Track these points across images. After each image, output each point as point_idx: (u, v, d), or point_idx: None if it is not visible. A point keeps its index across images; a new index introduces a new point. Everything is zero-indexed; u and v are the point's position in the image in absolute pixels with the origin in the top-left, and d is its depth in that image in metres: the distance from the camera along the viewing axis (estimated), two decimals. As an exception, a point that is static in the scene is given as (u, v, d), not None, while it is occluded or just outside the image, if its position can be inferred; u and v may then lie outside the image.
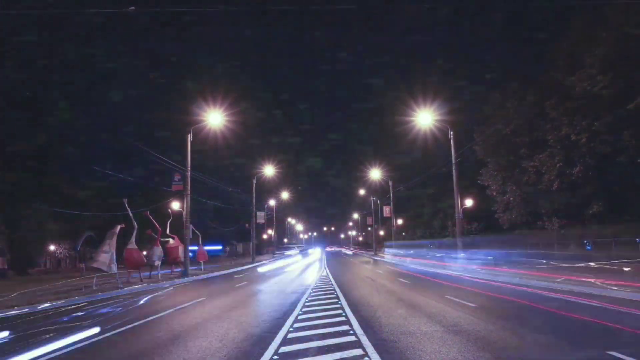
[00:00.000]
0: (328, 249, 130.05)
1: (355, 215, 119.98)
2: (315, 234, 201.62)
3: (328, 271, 30.27)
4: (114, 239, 21.05)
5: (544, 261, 24.92)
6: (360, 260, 54.58)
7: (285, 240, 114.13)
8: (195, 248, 35.90)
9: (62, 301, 15.45)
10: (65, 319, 12.32)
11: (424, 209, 53.46)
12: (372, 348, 7.63)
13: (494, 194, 32.45)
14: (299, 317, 11.04)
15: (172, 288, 21.24)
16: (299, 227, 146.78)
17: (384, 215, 59.58)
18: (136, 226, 23.67)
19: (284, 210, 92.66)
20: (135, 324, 10.77)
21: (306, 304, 13.59)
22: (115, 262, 20.89)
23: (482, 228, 40.49)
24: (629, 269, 19.39)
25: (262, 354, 7.50)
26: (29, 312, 13.36)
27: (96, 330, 9.88)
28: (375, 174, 56.57)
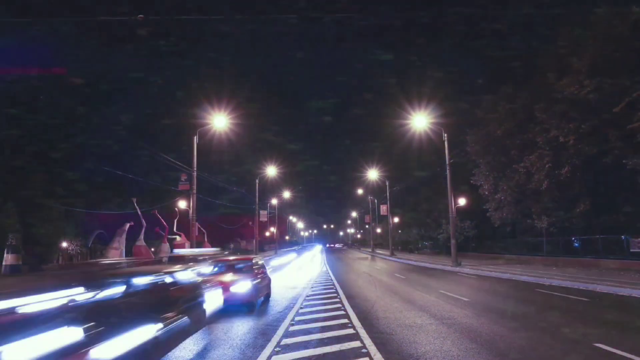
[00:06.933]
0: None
1: (354, 214, 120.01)
2: (315, 231, 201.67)
3: (328, 267, 30.34)
4: (124, 236, 21.14)
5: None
6: (359, 256, 54.65)
7: (287, 237, 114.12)
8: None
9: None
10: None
11: (419, 207, 53.40)
12: (370, 340, 7.65)
13: (486, 193, 32.43)
14: (300, 311, 11.06)
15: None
16: (300, 225, 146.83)
17: (381, 213, 59.62)
18: (144, 224, 23.73)
19: (286, 208, 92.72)
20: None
21: (307, 298, 13.61)
22: (124, 259, 20.95)
23: (474, 226, 40.47)
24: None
25: (265, 345, 7.52)
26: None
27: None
28: (373, 174, 56.72)
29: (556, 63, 24.48)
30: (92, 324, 4.47)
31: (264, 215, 55.29)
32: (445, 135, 29.25)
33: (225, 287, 10.48)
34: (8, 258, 31.67)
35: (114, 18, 19.03)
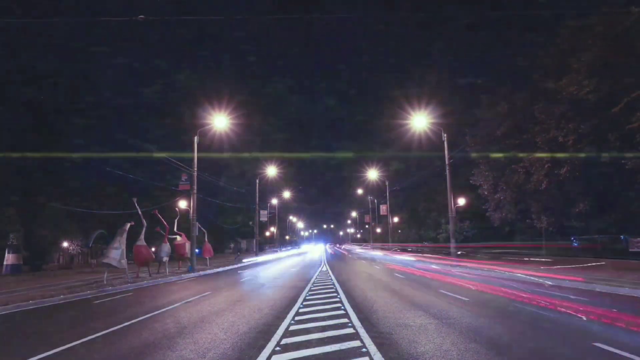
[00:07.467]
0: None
1: (354, 214, 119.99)
2: (315, 231, 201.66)
3: (328, 267, 30.32)
4: (124, 236, 21.04)
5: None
6: (358, 256, 54.61)
7: (287, 237, 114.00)
8: None
9: (73, 295, 15.44)
10: (73, 313, 12.32)
11: (419, 207, 53.41)
12: (370, 340, 7.63)
13: (486, 193, 32.43)
14: (300, 311, 11.04)
15: (179, 283, 21.22)
16: (300, 224, 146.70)
17: (381, 213, 59.77)
18: (145, 224, 23.67)
19: (286, 208, 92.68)
20: (145, 316, 10.77)
21: (306, 297, 13.58)
22: (125, 258, 20.88)
23: (474, 225, 40.47)
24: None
25: (265, 345, 7.50)
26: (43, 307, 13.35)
27: (108, 323, 9.87)
28: (373, 174, 56.75)
29: (556, 63, 24.48)
30: None
31: (264, 215, 55.26)
32: (445, 135, 29.24)
33: None
34: (9, 258, 31.69)
35: (114, 18, 19.00)
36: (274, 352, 7.07)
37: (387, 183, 54.08)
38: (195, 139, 28.64)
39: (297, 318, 9.99)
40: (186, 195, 29.64)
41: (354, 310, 10.75)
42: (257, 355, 6.91)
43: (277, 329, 8.85)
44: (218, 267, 32.06)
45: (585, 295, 13.04)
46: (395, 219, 60.80)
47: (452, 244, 29.08)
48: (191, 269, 27.34)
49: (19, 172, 31.29)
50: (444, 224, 42.78)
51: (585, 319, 9.53)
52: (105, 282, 19.14)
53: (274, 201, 68.87)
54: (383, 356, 6.64)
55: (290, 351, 7.12)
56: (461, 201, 30.24)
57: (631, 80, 20.35)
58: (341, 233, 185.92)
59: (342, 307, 11.33)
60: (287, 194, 71.71)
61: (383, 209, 57.65)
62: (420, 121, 29.43)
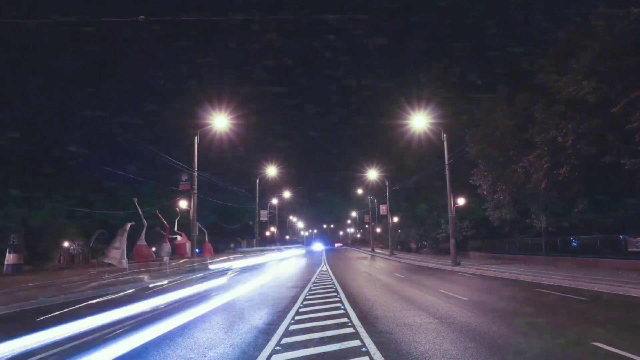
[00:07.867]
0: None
1: (354, 214, 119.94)
2: (315, 230, 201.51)
3: (328, 266, 30.32)
4: (125, 235, 21.03)
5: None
6: (358, 255, 54.63)
7: (287, 237, 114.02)
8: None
9: (76, 295, 15.43)
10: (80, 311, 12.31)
11: (419, 207, 53.37)
12: (370, 339, 7.63)
13: (485, 193, 32.41)
14: (300, 310, 11.04)
15: (180, 283, 21.20)
16: (300, 224, 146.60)
17: (381, 213, 59.72)
18: (145, 224, 23.67)
19: (286, 208, 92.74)
20: (144, 316, 10.77)
21: (307, 297, 13.59)
22: (125, 258, 20.89)
23: (473, 225, 40.45)
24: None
25: (265, 345, 7.50)
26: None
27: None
28: (373, 174, 56.74)
29: (555, 63, 24.46)
30: None
31: (264, 215, 55.25)
32: (445, 135, 29.24)
33: None
34: (10, 258, 31.69)
35: (114, 19, 18.99)
36: (274, 351, 7.07)
37: (387, 183, 54.08)
38: (196, 139, 28.64)
39: (297, 317, 10.00)
40: (187, 195, 29.63)
41: (353, 310, 10.74)
42: (258, 355, 6.91)
43: (277, 328, 8.86)
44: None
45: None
46: (395, 219, 60.77)
47: (452, 244, 29.09)
48: (192, 269, 27.31)
49: (18, 171, 31.28)
50: (443, 224, 42.75)
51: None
52: (105, 282, 19.12)
53: (274, 201, 68.91)
54: (383, 356, 6.64)
55: (290, 350, 7.12)
56: (461, 201, 30.23)
57: (630, 81, 20.35)
58: (341, 233, 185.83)
59: (342, 307, 11.32)
60: (287, 194, 71.73)
61: (383, 208, 57.66)
62: (420, 121, 29.44)
